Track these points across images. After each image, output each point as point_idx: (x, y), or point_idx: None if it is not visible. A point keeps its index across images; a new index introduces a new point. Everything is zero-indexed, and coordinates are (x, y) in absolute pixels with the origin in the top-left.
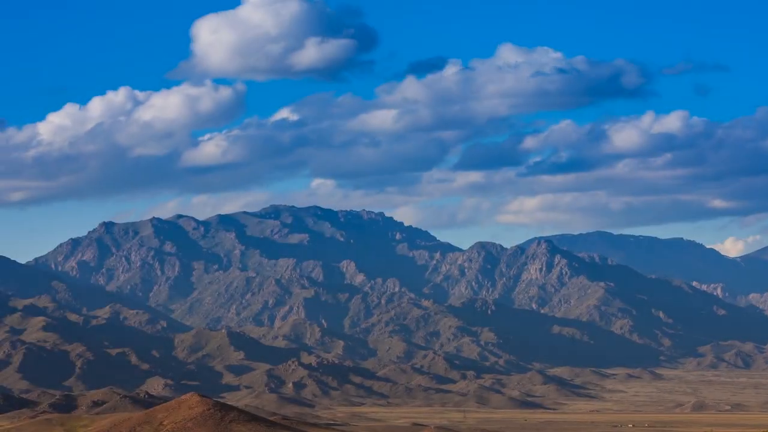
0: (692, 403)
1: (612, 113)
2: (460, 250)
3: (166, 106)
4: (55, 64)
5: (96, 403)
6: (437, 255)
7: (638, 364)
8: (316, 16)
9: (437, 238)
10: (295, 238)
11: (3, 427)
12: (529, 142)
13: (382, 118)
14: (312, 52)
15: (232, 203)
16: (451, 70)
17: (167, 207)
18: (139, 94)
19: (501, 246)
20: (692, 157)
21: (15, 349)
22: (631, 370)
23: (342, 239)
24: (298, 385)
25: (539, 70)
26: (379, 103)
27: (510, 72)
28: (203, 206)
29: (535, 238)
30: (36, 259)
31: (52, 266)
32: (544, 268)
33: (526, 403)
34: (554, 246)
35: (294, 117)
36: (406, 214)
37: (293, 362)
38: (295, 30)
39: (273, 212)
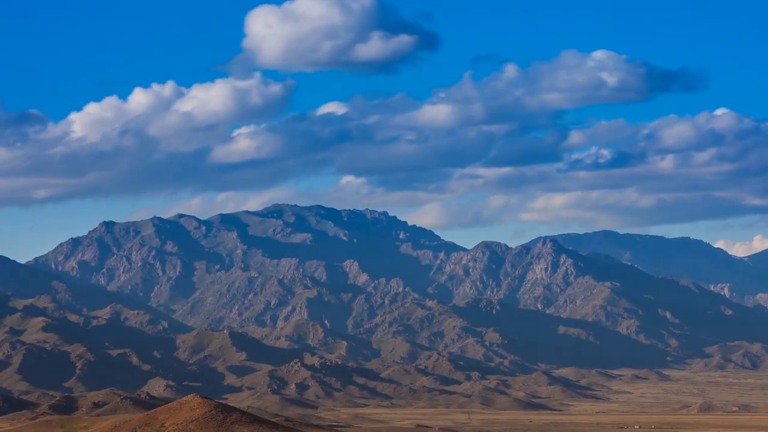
0: (699, 404)
1: (659, 112)
2: (464, 249)
3: (207, 100)
4: (107, 56)
5: (96, 405)
6: (441, 255)
7: (645, 365)
8: (374, 10)
9: (441, 238)
10: (298, 238)
11: (3, 428)
12: (574, 138)
13: (429, 115)
14: (368, 48)
15: (255, 200)
16: (508, 70)
17: (191, 204)
18: (182, 88)
19: (506, 245)
20: (732, 154)
21: (15, 350)
22: (637, 371)
23: (345, 239)
24: (301, 387)
25: (594, 67)
26: (430, 101)
27: (565, 70)
28: (226, 203)
29: (540, 237)
30: (36, 259)
31: (52, 266)
32: (549, 268)
33: (531, 404)
34: (560, 245)
35: (340, 112)
36: (430, 211)
37: (296, 363)
38: (351, 24)
39: (275, 211)
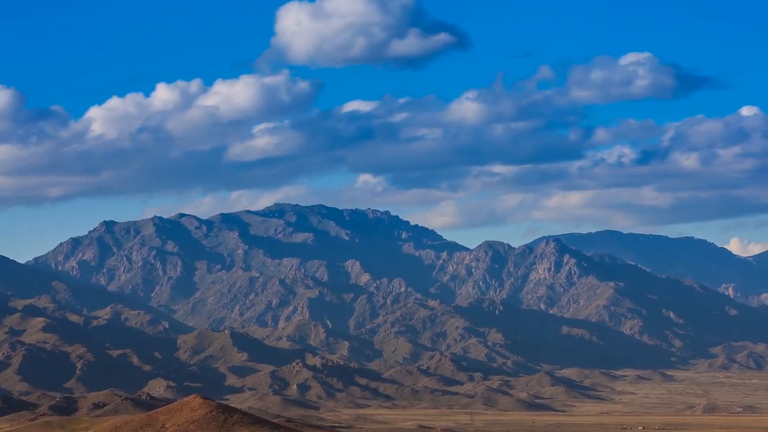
0: (703, 405)
1: (687, 111)
2: (467, 249)
3: (231, 96)
4: (133, 52)
5: (97, 406)
6: (444, 254)
7: (648, 366)
8: (408, 8)
9: (444, 237)
10: (300, 238)
11: (2, 429)
12: (600, 136)
13: (456, 114)
14: (399, 45)
15: (267, 198)
16: (540, 69)
17: (203, 203)
18: (206, 84)
19: (509, 245)
20: (756, 152)
21: (14, 351)
22: (641, 372)
23: (347, 238)
24: (303, 387)
25: (625, 66)
26: (458, 100)
27: (596, 69)
28: (235, 202)
29: (544, 237)
30: (36, 259)
31: (52, 266)
32: (552, 268)
33: (534, 405)
34: (563, 245)
35: (365, 109)
36: (442, 210)
37: (297, 363)
38: (382, 21)
39: (277, 211)
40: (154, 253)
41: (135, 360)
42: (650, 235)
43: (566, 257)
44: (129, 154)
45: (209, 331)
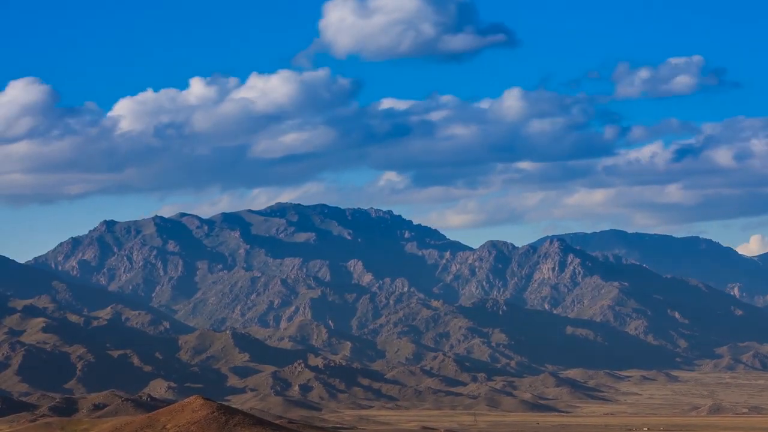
0: (709, 405)
1: (730, 111)
2: (470, 249)
3: (266, 92)
4: (173, 46)
5: (97, 407)
6: (447, 254)
7: (653, 366)
8: (454, 5)
9: (447, 237)
10: (302, 237)
11: (2, 430)
12: (636, 134)
13: (495, 111)
14: (443, 43)
15: (286, 196)
16: (585, 69)
17: (222, 201)
18: (242, 80)
19: (512, 245)
20: None
21: (14, 351)
22: (646, 372)
23: (349, 238)
24: (305, 388)
25: (670, 67)
26: (500, 98)
27: (642, 69)
28: (253, 199)
29: (548, 237)
30: (35, 259)
31: (52, 266)
32: (556, 268)
33: (538, 406)
34: (567, 245)
35: (402, 107)
36: (465, 207)
37: (299, 364)
38: (426, 18)
39: (278, 210)
40: (155, 252)
41: (136, 360)
42: (655, 234)
43: (570, 257)
44: (152, 150)
45: (210, 331)
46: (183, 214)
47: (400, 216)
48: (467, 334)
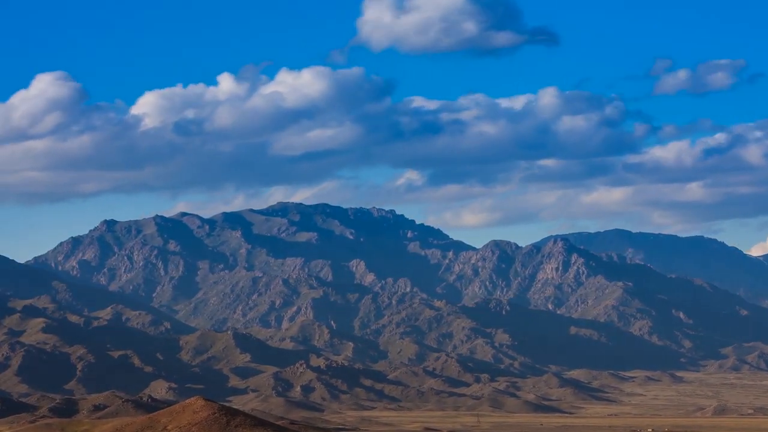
0: (714, 406)
1: (763, 112)
2: (473, 248)
3: (297, 88)
4: (203, 41)
5: (97, 408)
6: (450, 254)
7: (658, 367)
8: (491, 2)
9: (450, 237)
10: (303, 237)
11: None
12: (666, 132)
13: (527, 108)
14: (479, 40)
15: (301, 194)
16: (622, 71)
17: (236, 199)
18: (265, 77)
19: (516, 244)
20: None
21: (14, 352)
22: (650, 373)
23: (351, 237)
24: (307, 389)
25: (708, 68)
26: (533, 96)
27: (680, 69)
28: (269, 197)
29: (551, 236)
30: (35, 259)
31: (52, 266)
32: (560, 268)
33: (541, 406)
34: (571, 244)
35: (433, 105)
36: (479, 206)
37: (301, 365)
38: (464, 15)
39: (280, 210)
40: (155, 252)
41: (136, 361)
42: (659, 234)
43: (574, 257)
44: (171, 147)
45: (211, 331)
46: (184, 214)
47: (402, 215)
48: (470, 334)
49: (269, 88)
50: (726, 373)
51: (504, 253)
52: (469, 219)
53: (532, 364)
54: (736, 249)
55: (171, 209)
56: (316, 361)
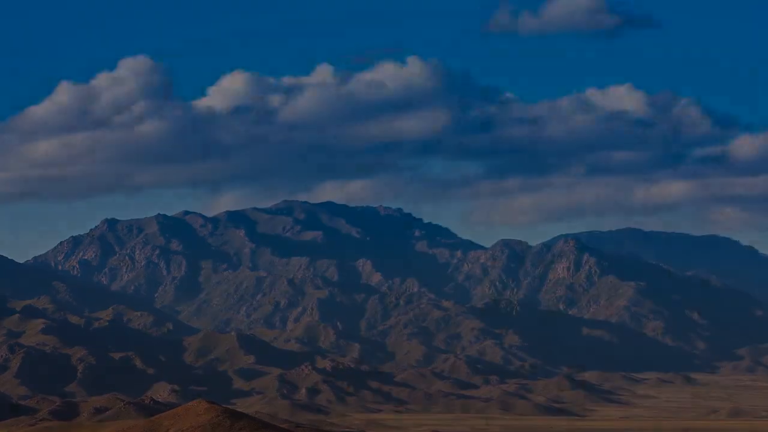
0: (728, 409)
1: None
2: (482, 248)
3: (370, 84)
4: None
5: (98, 410)
6: (458, 253)
7: (671, 368)
8: None
9: (458, 236)
10: (309, 236)
11: None
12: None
13: (601, 103)
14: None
15: (353, 186)
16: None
17: (280, 194)
18: (341, 73)
19: (526, 244)
20: None
21: (13, 353)
22: (663, 375)
23: (358, 236)
24: (312, 391)
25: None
26: (613, 88)
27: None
28: (319, 194)
29: (562, 235)
30: (35, 258)
31: (52, 265)
32: (571, 267)
33: (552, 409)
34: (582, 244)
35: (522, 96)
36: (520, 204)
37: (307, 366)
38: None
39: (285, 208)
40: (157, 252)
41: (138, 363)
42: (673, 233)
43: (586, 256)
44: (248, 140)
45: (215, 332)
46: (187, 212)
47: (410, 214)
48: (479, 335)
49: (365, 78)
50: (741, 375)
51: (513, 252)
52: (508, 217)
53: (542, 365)
54: (751, 248)
55: (224, 206)
56: (322, 363)
